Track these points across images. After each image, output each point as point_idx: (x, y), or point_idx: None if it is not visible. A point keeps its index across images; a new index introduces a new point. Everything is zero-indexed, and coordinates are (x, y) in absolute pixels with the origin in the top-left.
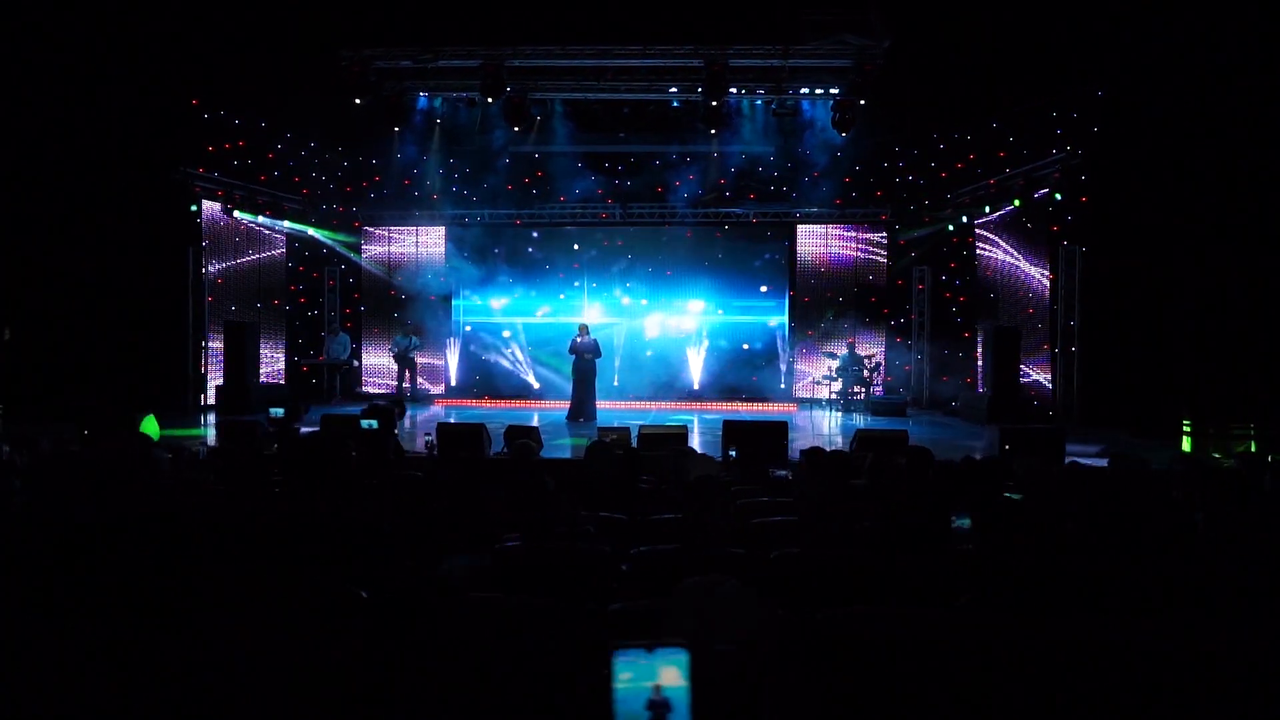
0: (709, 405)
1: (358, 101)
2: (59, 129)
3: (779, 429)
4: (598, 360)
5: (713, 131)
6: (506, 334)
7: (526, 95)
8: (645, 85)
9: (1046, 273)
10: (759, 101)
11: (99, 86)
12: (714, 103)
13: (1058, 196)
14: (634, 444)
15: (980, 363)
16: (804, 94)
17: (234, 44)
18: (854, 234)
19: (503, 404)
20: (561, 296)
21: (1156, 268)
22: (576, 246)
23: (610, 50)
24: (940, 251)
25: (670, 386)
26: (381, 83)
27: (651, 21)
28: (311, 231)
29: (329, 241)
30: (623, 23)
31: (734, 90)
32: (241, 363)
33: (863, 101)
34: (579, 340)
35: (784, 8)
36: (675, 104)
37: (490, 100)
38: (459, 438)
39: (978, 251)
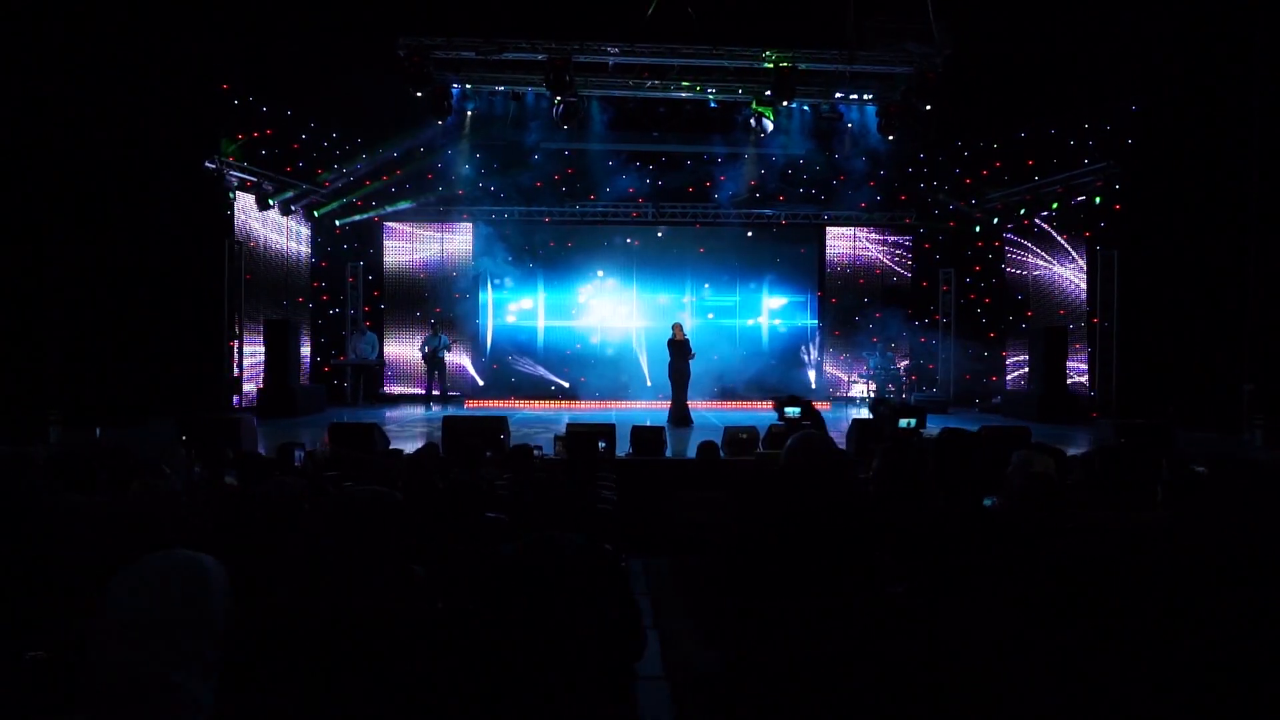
0: (743, 404)
1: (419, 95)
2: (87, 116)
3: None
4: (692, 361)
5: (763, 135)
6: (535, 333)
7: (578, 92)
8: (692, 85)
9: (1082, 276)
10: (794, 104)
11: (130, 71)
12: (785, 103)
13: (1097, 201)
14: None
15: (1008, 362)
16: (856, 99)
17: (271, 28)
18: (882, 237)
19: (537, 405)
20: (589, 295)
21: (1195, 271)
22: (607, 245)
23: (678, 49)
24: (965, 255)
25: (704, 386)
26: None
27: (718, 22)
28: (338, 223)
29: (358, 228)
30: (690, 22)
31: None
32: (284, 363)
33: (928, 107)
34: (677, 339)
35: (850, 14)
36: (713, 104)
37: (559, 97)
38: (586, 439)
39: (1006, 255)
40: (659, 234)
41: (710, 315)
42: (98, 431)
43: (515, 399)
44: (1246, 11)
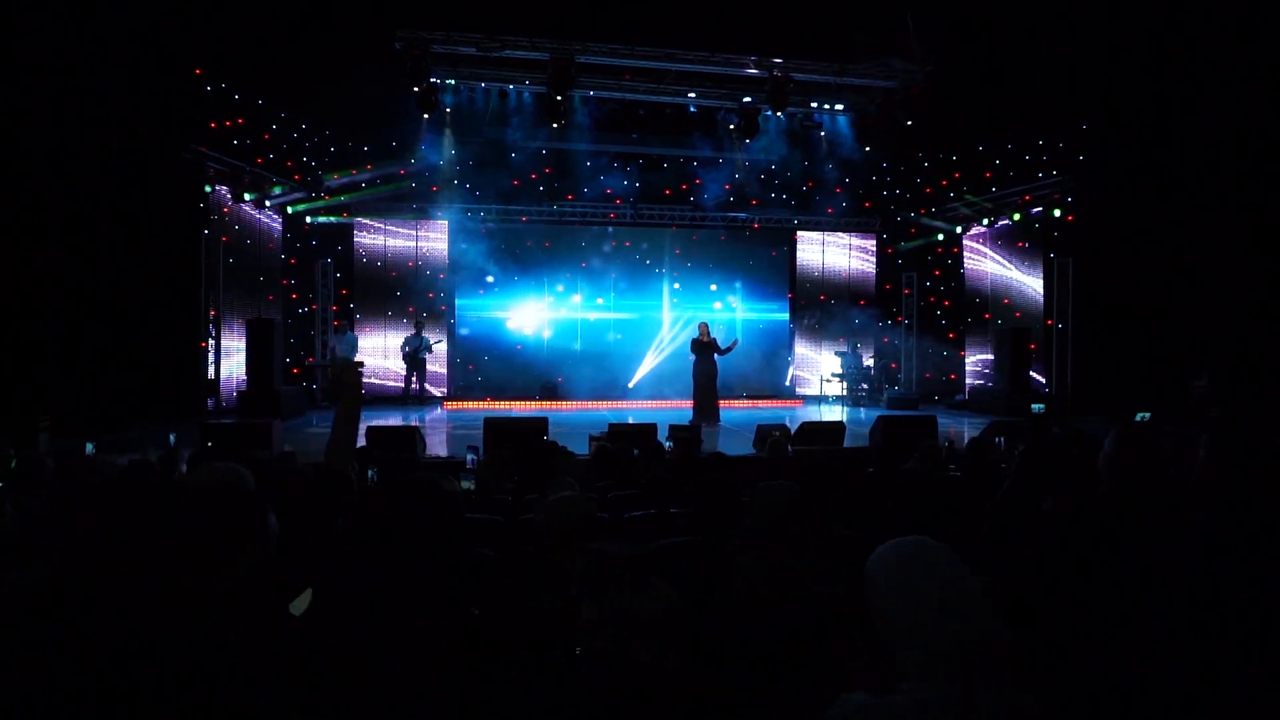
0: (721, 403)
1: (415, 89)
2: (56, 104)
3: (928, 423)
4: (719, 358)
5: (747, 140)
6: (513, 333)
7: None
8: (679, 90)
9: (1039, 281)
10: (768, 111)
11: (100, 55)
12: (780, 114)
13: (1056, 213)
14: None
15: (967, 361)
16: (830, 109)
17: (261, 19)
18: (850, 241)
19: (517, 405)
20: (563, 293)
21: (1146, 276)
22: (585, 244)
23: (676, 54)
24: (927, 260)
25: (683, 385)
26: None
27: (717, 30)
28: (309, 219)
29: (329, 223)
30: (690, 28)
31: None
32: (269, 364)
33: (910, 122)
34: (703, 339)
35: (839, 28)
36: (692, 109)
37: (559, 96)
38: (630, 438)
39: (965, 261)
40: (635, 235)
41: (680, 313)
42: (173, 438)
43: (492, 399)
44: (1188, 37)
